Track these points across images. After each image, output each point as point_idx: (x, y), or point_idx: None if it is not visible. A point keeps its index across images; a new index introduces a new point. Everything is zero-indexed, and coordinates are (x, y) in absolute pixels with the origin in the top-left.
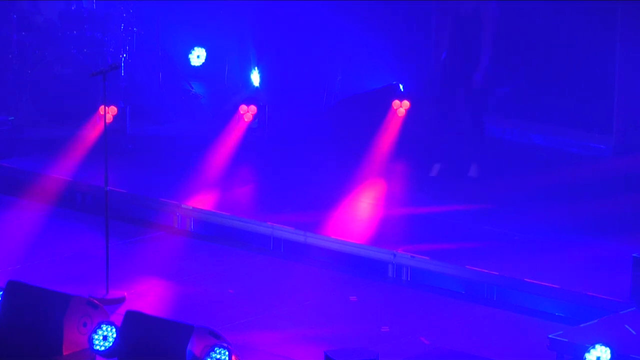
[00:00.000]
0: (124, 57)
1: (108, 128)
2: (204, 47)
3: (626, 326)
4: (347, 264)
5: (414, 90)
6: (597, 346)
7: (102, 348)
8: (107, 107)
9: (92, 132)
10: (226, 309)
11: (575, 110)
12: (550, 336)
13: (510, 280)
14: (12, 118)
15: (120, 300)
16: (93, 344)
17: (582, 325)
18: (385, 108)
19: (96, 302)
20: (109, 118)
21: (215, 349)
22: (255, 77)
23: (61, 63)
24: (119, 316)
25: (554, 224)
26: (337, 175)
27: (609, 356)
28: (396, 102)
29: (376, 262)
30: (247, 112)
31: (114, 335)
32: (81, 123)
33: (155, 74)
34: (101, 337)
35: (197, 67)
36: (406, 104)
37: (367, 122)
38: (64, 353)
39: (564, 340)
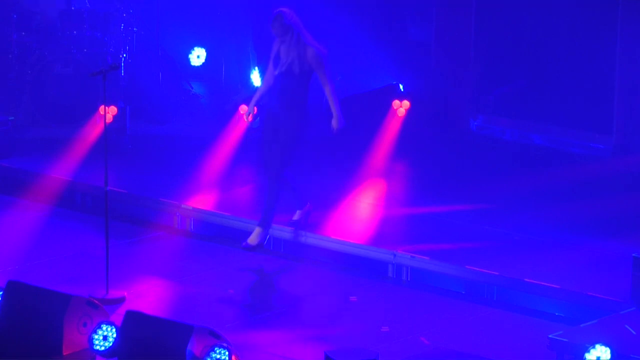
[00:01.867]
0: (124, 57)
1: (108, 128)
2: (204, 47)
3: (626, 326)
4: (347, 264)
5: (414, 90)
6: (597, 346)
7: (102, 348)
8: (107, 107)
9: (92, 132)
10: (226, 309)
11: (575, 110)
12: (550, 336)
13: (510, 280)
14: (12, 118)
15: (120, 300)
16: (93, 344)
17: (582, 325)
18: (385, 108)
19: (96, 302)
20: (109, 118)
21: (215, 349)
22: (255, 77)
23: (61, 63)
24: (119, 316)
25: (554, 224)
26: (337, 175)
27: (609, 356)
28: (396, 102)
29: (376, 262)
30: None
31: (114, 335)
32: (81, 123)
33: (155, 74)
34: (101, 337)
35: (197, 67)
36: (406, 104)
37: (367, 122)
38: (64, 353)
39: (564, 340)
